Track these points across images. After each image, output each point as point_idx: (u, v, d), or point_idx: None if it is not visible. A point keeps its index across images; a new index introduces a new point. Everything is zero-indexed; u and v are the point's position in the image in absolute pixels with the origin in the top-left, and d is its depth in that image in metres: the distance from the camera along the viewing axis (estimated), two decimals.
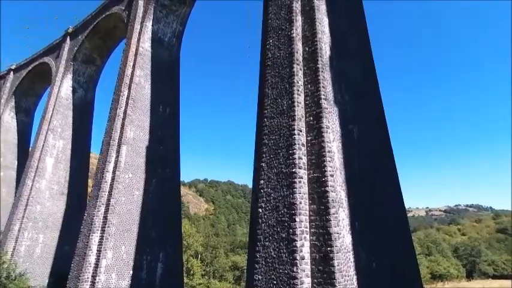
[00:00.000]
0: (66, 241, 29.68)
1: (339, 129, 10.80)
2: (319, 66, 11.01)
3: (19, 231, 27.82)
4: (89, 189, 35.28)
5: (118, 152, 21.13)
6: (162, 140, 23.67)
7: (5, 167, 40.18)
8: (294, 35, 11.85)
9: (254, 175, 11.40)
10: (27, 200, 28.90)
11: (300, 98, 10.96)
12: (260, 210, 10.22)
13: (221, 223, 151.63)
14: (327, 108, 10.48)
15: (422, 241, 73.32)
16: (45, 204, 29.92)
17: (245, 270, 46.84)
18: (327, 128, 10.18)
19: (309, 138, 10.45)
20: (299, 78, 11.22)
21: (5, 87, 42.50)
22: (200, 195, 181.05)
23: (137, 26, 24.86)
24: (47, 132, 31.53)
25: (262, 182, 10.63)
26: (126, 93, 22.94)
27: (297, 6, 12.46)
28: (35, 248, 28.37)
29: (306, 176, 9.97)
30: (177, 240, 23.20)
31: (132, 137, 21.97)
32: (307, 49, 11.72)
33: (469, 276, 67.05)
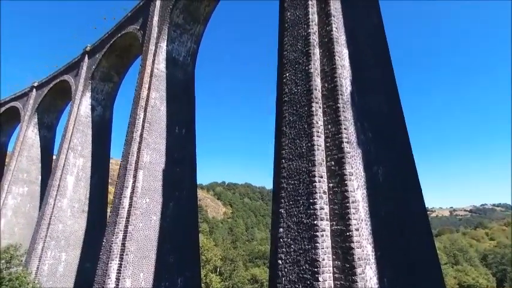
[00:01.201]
0: (87, 258, 30.11)
1: (362, 173, 10.08)
2: (340, 105, 10.32)
3: (42, 250, 28.41)
4: (110, 196, 35.83)
5: (135, 177, 21.08)
6: (178, 161, 23.48)
7: (29, 182, 41.40)
8: (311, 70, 11.20)
9: (273, 220, 10.83)
10: (50, 218, 29.50)
11: (319, 140, 10.30)
12: (280, 262, 9.64)
13: (239, 227, 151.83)
14: (349, 153, 9.77)
15: (448, 249, 70.39)
16: (67, 223, 30.45)
17: (265, 283, 46.31)
18: (350, 175, 9.48)
19: (330, 185, 9.78)
20: (318, 118, 10.56)
21: (28, 104, 43.83)
22: (218, 199, 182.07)
23: (152, 47, 24.82)
24: (67, 151, 32.13)
25: (281, 230, 10.05)
26: (142, 116, 22.90)
27: (314, 38, 11.80)
28: (57, 267, 28.90)
29: (329, 228, 9.31)
30: (195, 264, 22.93)
31: (149, 161, 21.87)
32: (326, 85, 11.04)
33: (500, 286, 63.76)
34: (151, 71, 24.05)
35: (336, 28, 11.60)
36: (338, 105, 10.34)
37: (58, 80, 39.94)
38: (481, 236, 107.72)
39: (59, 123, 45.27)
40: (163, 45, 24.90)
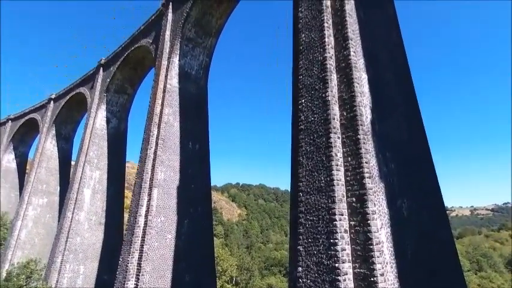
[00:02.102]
0: (104, 270, 30.43)
1: (386, 210, 9.49)
2: (361, 136, 9.76)
3: (61, 263, 28.82)
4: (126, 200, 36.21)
5: (150, 195, 21.01)
6: (192, 178, 23.30)
7: (48, 193, 42.27)
8: (329, 97, 10.68)
9: (291, 257, 10.37)
10: (68, 232, 29.92)
11: (339, 174, 9.78)
12: None
13: (254, 229, 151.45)
14: (371, 189, 9.21)
15: (471, 254, 67.90)
16: (85, 236, 30.83)
17: None
18: (373, 213, 8.93)
19: (352, 223, 9.25)
20: (337, 150, 10.04)
21: (46, 116, 44.79)
22: (233, 201, 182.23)
23: (164, 62, 24.74)
24: (84, 164, 32.55)
25: (300, 269, 9.58)
26: (155, 132, 22.83)
27: (331, 63, 11.26)
28: (76, 280, 29.26)
29: (351, 271, 8.79)
30: (212, 281, 22.69)
31: (163, 179, 21.76)
32: (345, 114, 10.50)
33: None
34: (164, 86, 23.96)
35: (354, 52, 11.03)
36: (358, 136, 9.79)
37: (74, 93, 40.61)
38: (505, 238, 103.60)
39: (76, 134, 46.09)
40: (176, 60, 24.77)
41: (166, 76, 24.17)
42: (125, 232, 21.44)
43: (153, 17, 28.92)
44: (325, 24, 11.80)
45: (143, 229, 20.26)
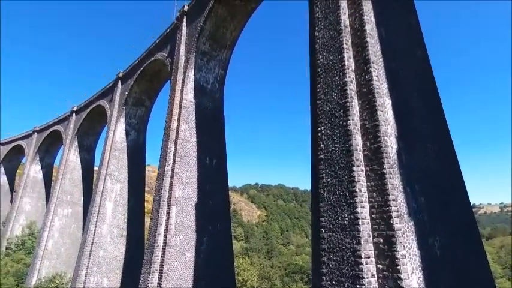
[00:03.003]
0: (127, 283, 30.82)
1: (417, 251, 8.76)
2: (386, 171, 9.06)
3: (86, 276, 29.38)
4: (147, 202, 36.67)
5: (168, 213, 20.93)
6: (210, 194, 23.07)
7: (73, 204, 43.41)
8: (350, 126, 10.02)
9: None
10: (91, 245, 30.48)
11: (364, 212, 9.12)
12: None
13: (274, 230, 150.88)
14: (400, 230, 8.51)
15: (503, 259, 64.36)
16: (107, 248, 31.32)
17: None
18: (403, 257, 8.23)
19: (379, 266, 8.58)
20: (361, 185, 9.38)
21: (68, 128, 46.04)
22: (252, 202, 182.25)
23: (180, 77, 24.64)
24: (105, 177, 33.08)
25: None
26: (172, 149, 22.76)
27: (352, 88, 10.58)
28: None
29: None
30: None
31: (181, 196, 21.64)
32: (368, 144, 9.81)
33: None
34: (180, 102, 23.85)
35: (377, 76, 10.31)
36: (384, 170, 9.09)
37: (94, 105, 41.46)
38: None
39: (97, 145, 47.13)
40: (191, 74, 24.61)
41: (182, 91, 24.06)
42: (145, 250, 21.46)
43: (168, 31, 28.94)
44: (344, 46, 11.12)
45: (163, 248, 20.20)
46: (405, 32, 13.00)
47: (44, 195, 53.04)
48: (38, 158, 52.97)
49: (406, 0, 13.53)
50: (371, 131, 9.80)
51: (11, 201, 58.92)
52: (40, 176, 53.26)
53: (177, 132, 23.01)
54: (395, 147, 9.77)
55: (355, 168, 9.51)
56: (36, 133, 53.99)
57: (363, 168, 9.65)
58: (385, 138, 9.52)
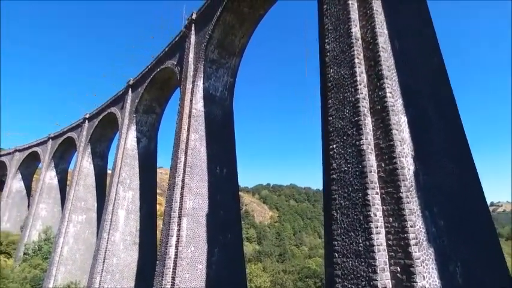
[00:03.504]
0: None
1: (437, 281, 8.26)
2: (403, 195, 8.60)
3: (100, 284, 29.65)
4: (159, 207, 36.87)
5: (179, 225, 20.82)
6: (221, 204, 22.87)
7: (87, 210, 44.01)
8: (364, 146, 9.58)
9: None
10: (105, 253, 30.75)
11: (379, 238, 8.69)
12: None
13: (287, 231, 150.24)
14: (419, 258, 8.05)
15: None
16: (120, 256, 31.55)
17: None
18: None
19: None
20: (376, 209, 8.94)
21: (82, 135, 46.72)
22: (264, 203, 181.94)
23: (189, 86, 24.53)
24: (117, 185, 33.34)
25: None
26: (182, 159, 22.66)
27: (364, 105, 10.14)
28: None
29: None
30: None
31: (192, 207, 21.51)
32: (383, 165, 9.36)
33: None
34: (190, 111, 23.73)
35: (391, 92, 9.84)
36: (400, 194, 8.63)
37: (106, 113, 41.90)
38: None
39: (109, 151, 47.66)
40: (200, 83, 24.46)
41: (191, 101, 23.94)
42: (157, 262, 21.43)
43: (177, 39, 28.91)
44: (356, 60, 10.68)
45: (174, 260, 20.11)
46: (420, 41, 12.43)
47: (59, 200, 54.06)
48: (53, 164, 54.00)
49: (420, 10, 12.96)
50: (386, 151, 9.35)
51: (28, 206, 60.37)
52: (55, 181, 54.28)
53: (187, 142, 22.89)
54: (412, 168, 9.28)
55: (369, 191, 9.08)
56: (51, 140, 55.06)
57: (378, 191, 9.21)
58: (401, 159, 9.06)
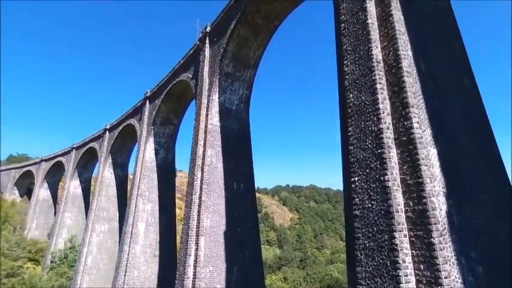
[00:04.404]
0: None
1: None
2: (435, 240, 7.78)
3: None
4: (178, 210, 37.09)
5: (197, 243, 20.56)
6: (238, 221, 22.44)
7: (109, 219, 44.87)
8: (389, 183, 8.80)
9: None
10: (126, 266, 31.07)
11: (409, 287, 7.90)
12: None
13: (307, 233, 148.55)
14: None
15: None
16: (141, 269, 31.79)
17: None
18: None
19: None
20: (405, 254, 8.16)
21: (103, 145, 47.70)
22: (283, 205, 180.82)
23: (204, 101, 24.26)
24: (136, 198, 33.65)
25: None
26: (199, 175, 22.39)
27: (389, 136, 9.34)
28: None
29: None
30: None
31: (209, 225, 21.19)
32: (411, 204, 8.55)
33: None
34: (206, 126, 23.46)
35: (418, 123, 9.00)
36: (432, 240, 7.81)
37: (125, 124, 42.54)
38: None
39: (129, 160, 48.42)
40: (215, 97, 24.15)
41: (207, 116, 23.66)
42: (176, 281, 21.25)
43: (191, 51, 28.76)
44: (378, 86, 9.88)
45: (192, 281, 19.84)
46: (449, 60, 11.45)
47: (84, 209, 55.50)
48: (76, 174, 55.53)
49: (447, 22, 11.96)
50: (414, 189, 8.53)
51: (55, 214, 62.47)
52: (79, 190, 55.80)
53: (203, 159, 22.62)
54: (444, 207, 8.42)
55: (396, 234, 8.30)
56: (74, 150, 56.65)
57: (406, 233, 8.41)
58: (432, 199, 8.22)
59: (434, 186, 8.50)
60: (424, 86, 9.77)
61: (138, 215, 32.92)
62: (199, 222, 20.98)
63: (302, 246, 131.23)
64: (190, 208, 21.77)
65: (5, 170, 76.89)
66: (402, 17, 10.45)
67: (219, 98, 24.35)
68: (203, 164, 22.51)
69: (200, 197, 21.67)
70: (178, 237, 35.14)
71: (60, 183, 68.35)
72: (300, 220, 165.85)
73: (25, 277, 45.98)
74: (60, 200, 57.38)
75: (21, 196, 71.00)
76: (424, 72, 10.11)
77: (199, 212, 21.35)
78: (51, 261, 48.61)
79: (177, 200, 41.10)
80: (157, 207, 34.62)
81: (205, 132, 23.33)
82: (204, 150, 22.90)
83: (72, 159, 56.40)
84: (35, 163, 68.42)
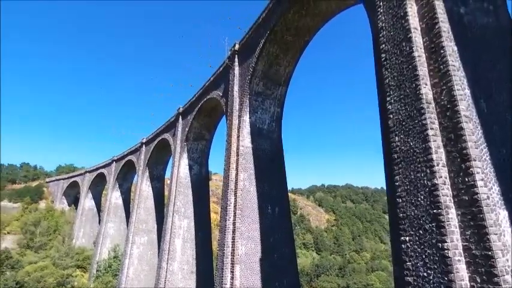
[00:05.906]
0: None
1: None
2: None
3: None
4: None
5: (232, 272, 20.07)
6: (274, 247, 21.65)
7: (148, 231, 46.13)
8: (449, 253, 7.49)
9: None
10: (164, 283, 31.54)
11: None
12: None
13: (345, 235, 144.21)
14: None
15: None
16: (179, 286, 32.11)
17: None
18: None
19: None
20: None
21: (140, 158, 49.17)
22: (319, 205, 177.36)
23: (235, 121, 23.76)
24: (173, 214, 34.08)
25: None
26: (233, 200, 21.90)
27: (446, 193, 8.01)
28: None
29: None
30: None
31: (244, 253, 20.62)
32: (478, 280, 7.20)
33: None
34: (237, 149, 22.92)
35: (482, 179, 7.62)
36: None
37: (160, 138, 43.44)
38: None
39: (165, 172, 49.48)
40: (246, 118, 23.53)
41: (238, 137, 23.12)
42: (215, 272, 20.94)
43: (220, 69, 28.44)
44: (430, 132, 8.58)
45: None
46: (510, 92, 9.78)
47: (125, 218, 57.79)
48: (117, 185, 57.92)
49: (509, 48, 10.25)
50: (481, 262, 7.21)
51: (99, 222, 65.85)
52: (120, 201, 58.16)
53: (236, 183, 22.09)
54: (510, 241, 7.03)
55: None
56: (114, 162, 59.11)
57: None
58: (505, 277, 6.87)
59: (507, 260, 7.12)
60: (487, 132, 8.33)
61: (174, 231, 33.31)
62: (233, 250, 20.49)
63: (340, 249, 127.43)
64: (225, 234, 21.34)
65: (55, 180, 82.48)
66: (456, 48, 9.04)
67: (250, 118, 23.70)
68: (236, 187, 22.00)
69: (234, 223, 21.17)
70: (214, 243, 35.42)
71: (104, 192, 71.98)
72: (337, 221, 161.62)
73: (75, 285, 48.88)
74: (103, 210, 60.20)
75: (69, 205, 75.67)
76: (486, 113, 8.65)
77: (233, 238, 20.86)
78: (97, 270, 51.08)
79: (212, 204, 41.42)
80: (193, 224, 34.84)
81: (237, 154, 22.79)
82: (237, 174, 22.37)
83: (112, 171, 58.91)
84: (80, 174, 72.52)
